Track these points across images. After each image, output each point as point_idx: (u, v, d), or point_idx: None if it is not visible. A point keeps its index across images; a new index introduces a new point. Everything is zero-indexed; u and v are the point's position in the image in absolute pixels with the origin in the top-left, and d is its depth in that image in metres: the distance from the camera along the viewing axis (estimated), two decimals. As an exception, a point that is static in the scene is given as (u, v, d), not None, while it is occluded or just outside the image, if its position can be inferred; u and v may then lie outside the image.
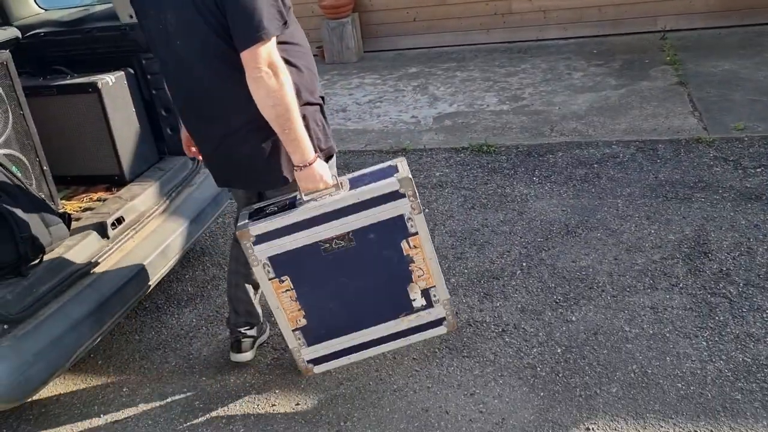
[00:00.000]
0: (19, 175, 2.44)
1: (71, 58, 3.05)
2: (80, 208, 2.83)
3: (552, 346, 2.51)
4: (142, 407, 2.47)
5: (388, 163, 2.25)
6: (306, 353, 2.36)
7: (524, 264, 3.04)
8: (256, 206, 2.25)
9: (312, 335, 2.32)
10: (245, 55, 1.87)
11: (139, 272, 2.55)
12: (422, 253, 2.21)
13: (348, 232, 2.14)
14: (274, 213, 2.13)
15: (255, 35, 1.84)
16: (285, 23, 1.94)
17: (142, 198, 2.83)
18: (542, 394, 2.29)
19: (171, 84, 2.18)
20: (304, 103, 2.06)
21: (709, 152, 3.81)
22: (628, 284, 2.80)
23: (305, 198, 2.10)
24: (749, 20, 5.81)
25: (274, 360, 2.63)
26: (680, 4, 5.98)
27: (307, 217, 2.09)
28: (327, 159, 2.18)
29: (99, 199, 2.91)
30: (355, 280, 2.23)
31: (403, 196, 2.11)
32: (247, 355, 2.56)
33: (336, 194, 2.10)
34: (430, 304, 2.32)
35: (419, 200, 2.15)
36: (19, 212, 2.27)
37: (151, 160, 3.08)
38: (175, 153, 3.14)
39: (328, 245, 2.15)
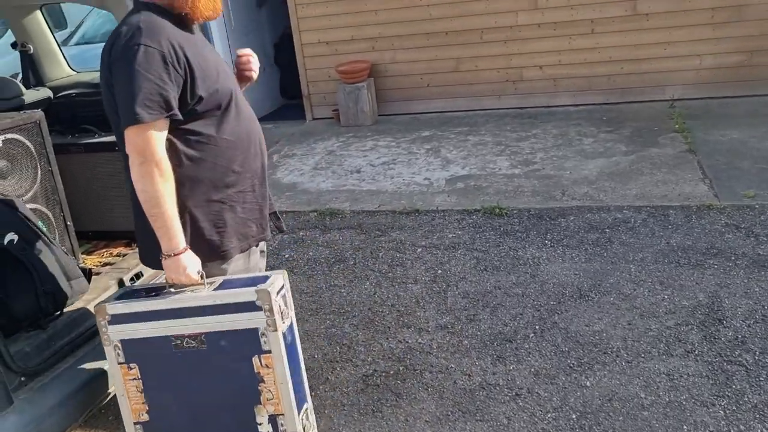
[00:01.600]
0: (44, 229, 2.51)
1: (100, 117, 3.16)
2: (100, 262, 2.89)
3: (567, 412, 2.48)
4: (152, 466, 2.44)
5: (266, 273, 2.15)
6: None
7: (537, 327, 3.04)
8: (131, 287, 2.26)
9: None
10: (125, 137, 1.87)
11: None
12: (274, 375, 2.03)
13: (201, 333, 2.02)
14: (139, 297, 2.07)
15: (126, 118, 1.83)
16: (170, 112, 1.86)
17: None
18: (557, 461, 2.26)
19: None
20: (205, 200, 2.01)
21: (720, 219, 3.84)
22: (642, 350, 2.78)
23: (171, 289, 2.03)
24: (757, 90, 5.94)
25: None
26: (688, 75, 6.13)
27: (163, 308, 2.01)
28: (223, 258, 2.09)
29: (119, 255, 2.97)
30: (203, 386, 2.07)
31: (259, 308, 1.97)
32: None
33: (198, 291, 2.00)
34: None
35: (280, 318, 2.00)
36: (42, 266, 2.32)
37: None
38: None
39: (179, 342, 2.04)
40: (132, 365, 2.08)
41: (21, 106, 3.05)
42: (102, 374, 2.30)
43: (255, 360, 2.02)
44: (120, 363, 2.08)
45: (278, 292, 2.03)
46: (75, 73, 3.49)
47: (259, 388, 2.04)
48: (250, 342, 2.01)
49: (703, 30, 5.98)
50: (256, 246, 2.23)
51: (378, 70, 6.87)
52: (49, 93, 3.25)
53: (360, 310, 3.36)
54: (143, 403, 2.10)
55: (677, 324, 2.92)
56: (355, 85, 6.64)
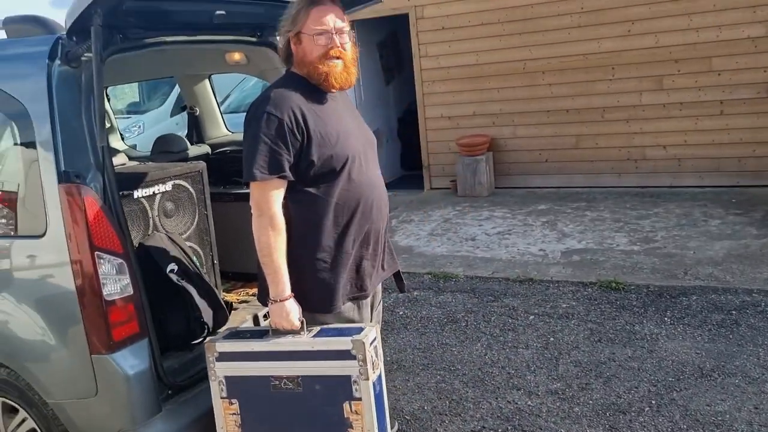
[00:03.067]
0: (197, 264, 2.85)
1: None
2: (238, 299, 3.19)
3: (683, 489, 2.39)
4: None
5: (360, 325, 2.24)
6: None
7: (653, 402, 2.96)
8: (236, 329, 2.40)
9: None
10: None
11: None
12: (362, 421, 2.10)
13: (297, 376, 2.14)
14: (245, 338, 2.23)
15: (246, 175, 2.08)
16: (281, 173, 2.05)
17: (290, 296, 3.14)
18: None
19: None
20: (310, 256, 2.16)
21: None
22: (770, 435, 2.63)
23: (272, 333, 2.18)
24: None
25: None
26: (828, 160, 5.82)
27: (266, 350, 2.16)
28: (321, 310, 2.21)
29: (254, 294, 3.26)
30: (295, 425, 2.18)
31: (353, 357, 2.08)
32: None
33: (298, 337, 2.14)
34: None
35: (371, 368, 2.08)
36: (194, 295, 2.63)
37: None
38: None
39: (277, 383, 2.16)
40: (233, 401, 2.22)
41: (185, 159, 3.51)
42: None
43: (345, 406, 2.12)
44: (222, 398, 2.22)
45: (371, 343, 2.14)
46: (230, 133, 3.97)
47: None
48: (342, 388, 2.11)
49: None
50: (357, 301, 2.32)
51: (497, 144, 7.09)
52: (208, 149, 3.72)
53: (470, 369, 3.42)
54: None
55: (811, 413, 2.74)
56: (474, 157, 6.88)
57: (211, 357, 2.21)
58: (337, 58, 2.13)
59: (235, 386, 2.20)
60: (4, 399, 2.43)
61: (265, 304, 2.32)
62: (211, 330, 2.67)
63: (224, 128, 3.96)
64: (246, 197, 3.35)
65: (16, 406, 2.41)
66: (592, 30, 6.48)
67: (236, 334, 2.30)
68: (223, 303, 2.79)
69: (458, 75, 7.12)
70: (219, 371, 2.21)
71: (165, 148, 3.37)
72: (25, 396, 2.35)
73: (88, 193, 2.11)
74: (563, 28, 6.57)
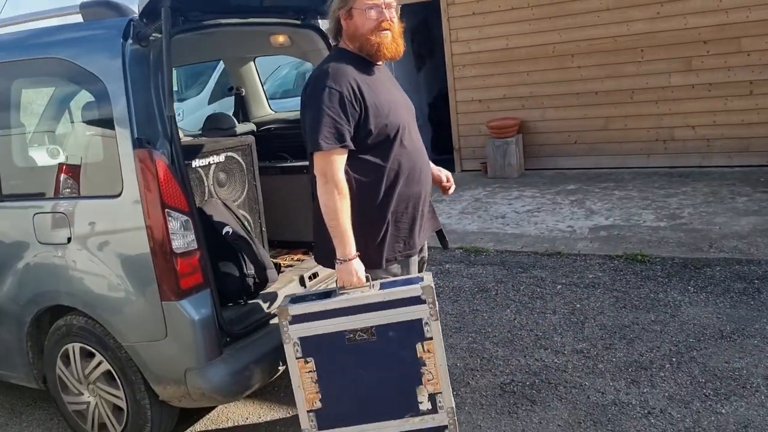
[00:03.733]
0: (249, 228, 3.11)
1: (291, 147, 3.83)
2: (284, 263, 3.45)
3: (699, 432, 2.58)
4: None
5: (419, 275, 2.48)
6: None
7: (674, 359, 3.13)
8: (298, 294, 2.56)
9: (324, 420, 2.43)
10: (312, 160, 2.32)
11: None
12: (434, 358, 2.34)
13: (371, 327, 2.34)
14: (312, 300, 2.41)
15: (311, 146, 2.28)
16: (343, 143, 2.26)
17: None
18: (686, 471, 2.37)
19: None
20: (371, 217, 2.37)
21: None
22: (784, 388, 2.80)
23: (339, 291, 2.37)
24: None
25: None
26: None
27: (339, 306, 2.33)
28: (379, 266, 2.43)
29: (298, 260, 3.52)
30: (371, 373, 2.38)
31: (423, 302, 2.32)
32: None
33: (366, 291, 2.34)
34: (434, 410, 2.39)
35: (438, 309, 2.34)
36: (248, 254, 2.90)
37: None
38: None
39: (352, 335, 2.35)
40: (308, 359, 2.39)
41: (233, 135, 3.78)
42: (280, 348, 2.77)
43: (418, 346, 2.36)
44: (298, 358, 2.39)
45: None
46: (273, 112, 4.23)
47: (421, 371, 2.37)
48: (414, 331, 2.35)
49: None
50: (409, 258, 2.57)
51: (527, 126, 7.24)
52: (253, 127, 3.98)
53: (500, 332, 3.63)
54: (317, 392, 2.40)
55: (826, 369, 2.89)
56: (504, 139, 7.04)
57: (284, 321, 2.36)
58: (387, 29, 2.35)
59: (310, 345, 2.37)
60: (82, 344, 2.73)
61: (325, 264, 2.55)
62: (262, 287, 2.94)
63: (268, 108, 4.22)
64: (291, 170, 3.63)
65: (93, 350, 2.71)
66: (621, 13, 6.57)
67: (301, 298, 2.46)
68: (272, 263, 3.06)
69: (488, 59, 7.28)
70: (293, 333, 2.37)
71: (215, 125, 3.64)
72: (102, 341, 2.64)
73: (159, 157, 2.38)
74: (592, 11, 6.67)
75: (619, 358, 3.21)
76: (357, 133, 2.33)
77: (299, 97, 2.46)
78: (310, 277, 3.21)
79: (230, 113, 4.20)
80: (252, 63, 4.19)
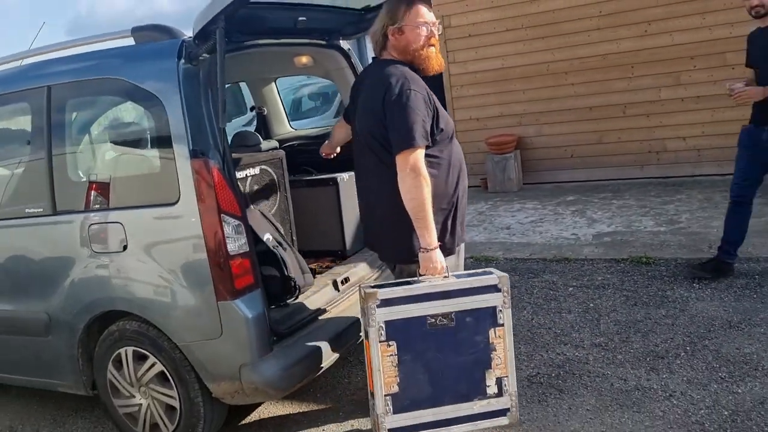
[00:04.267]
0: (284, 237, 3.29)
1: (314, 162, 4.02)
2: (316, 269, 3.63)
3: (719, 410, 2.77)
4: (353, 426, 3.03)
5: (487, 269, 2.65)
6: (389, 421, 2.52)
7: (688, 348, 3.33)
8: (376, 285, 2.61)
9: (399, 403, 2.51)
10: (397, 157, 2.43)
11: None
12: (504, 343, 2.54)
13: (451, 312, 2.49)
14: (392, 287, 2.51)
15: (404, 144, 2.41)
16: (428, 140, 2.46)
17: (362, 266, 3.57)
18: (711, 444, 2.56)
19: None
20: (439, 208, 2.52)
21: None
22: (793, 368, 3.00)
23: (421, 279, 2.50)
24: None
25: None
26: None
27: (423, 292, 2.48)
28: (447, 254, 2.58)
29: (327, 267, 3.70)
30: (446, 357, 2.51)
31: (499, 290, 2.52)
32: None
33: (446, 279, 2.50)
34: (500, 393, 2.57)
35: (510, 299, 2.55)
36: (287, 259, 3.07)
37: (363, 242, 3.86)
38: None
39: (433, 320, 2.49)
40: (391, 343, 2.47)
41: (259, 152, 3.97)
42: (326, 343, 2.93)
43: (491, 332, 2.54)
44: (381, 341, 2.46)
45: None
46: (293, 130, 4.43)
47: (492, 355, 2.55)
48: (489, 317, 2.53)
49: None
50: (461, 245, 2.78)
51: (524, 142, 7.51)
52: (276, 143, 4.18)
53: (520, 330, 3.81)
54: (395, 376, 2.49)
55: (830, 350, 3.10)
56: (503, 155, 7.30)
57: (373, 304, 2.45)
58: (433, 45, 2.61)
59: (394, 329, 2.47)
60: (135, 348, 2.87)
61: (398, 261, 2.69)
62: (300, 290, 3.11)
63: (288, 126, 4.43)
64: (317, 183, 3.81)
65: (146, 353, 2.85)
66: (610, 32, 6.90)
67: (380, 286, 2.55)
68: (308, 268, 3.23)
69: (485, 79, 7.57)
70: (379, 316, 2.46)
71: (242, 143, 3.83)
72: (156, 343, 2.79)
73: (214, 165, 2.57)
74: (583, 30, 7.00)
75: (636, 349, 3.40)
76: (431, 131, 2.52)
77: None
78: (342, 281, 3.38)
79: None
80: (273, 83, 4.41)
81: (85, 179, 2.90)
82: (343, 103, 3.88)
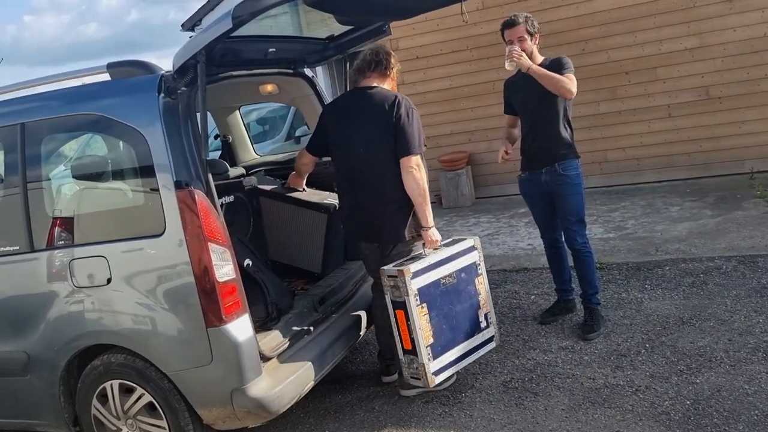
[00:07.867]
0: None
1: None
2: (295, 291, 3.70)
3: (681, 400, 3.00)
4: (344, 443, 3.11)
5: (459, 237, 3.51)
6: (432, 366, 3.17)
7: (647, 345, 3.57)
8: (396, 264, 3.22)
9: (435, 351, 3.18)
10: (403, 160, 3.15)
11: (340, 336, 3.31)
12: (484, 288, 3.45)
13: (453, 272, 3.28)
14: (411, 261, 3.20)
15: (415, 149, 3.18)
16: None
17: (336, 286, 3.66)
18: (678, 431, 2.77)
19: (342, 171, 3.37)
20: (410, 203, 3.24)
21: (806, 262, 4.29)
22: (743, 357, 3.27)
23: (427, 251, 3.25)
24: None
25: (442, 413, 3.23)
26: (765, 149, 6.67)
27: (436, 260, 3.24)
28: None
29: (302, 289, 3.77)
30: (456, 307, 3.29)
31: (475, 249, 3.44)
32: (393, 377, 3.54)
33: (442, 249, 3.29)
34: (487, 325, 3.47)
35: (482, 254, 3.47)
36: (268, 284, 3.15)
37: (339, 263, 3.96)
38: (353, 259, 4.01)
39: (444, 281, 3.24)
40: (423, 305, 3.14)
41: (227, 179, 4.03)
42: (309, 368, 3.00)
43: (476, 281, 3.42)
44: (418, 305, 3.11)
45: None
46: (259, 156, 4.50)
47: (479, 299, 3.42)
48: (473, 271, 3.42)
49: (775, 108, 6.58)
50: None
51: (475, 158, 7.78)
52: (243, 170, 4.24)
53: (490, 340, 3.98)
54: (430, 330, 3.15)
55: (773, 339, 3.39)
56: (456, 171, 7.54)
57: (407, 277, 3.07)
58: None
59: (423, 293, 3.14)
60: (121, 381, 2.88)
61: (399, 240, 3.28)
62: (283, 313, 3.19)
63: (253, 152, 4.50)
64: (310, 206, 3.84)
65: (133, 385, 2.86)
66: (550, 51, 7.21)
67: (401, 264, 3.20)
68: (288, 290, 3.31)
69: (434, 99, 7.82)
70: (413, 286, 3.10)
71: (210, 171, 3.87)
72: (143, 374, 2.81)
73: (199, 195, 2.64)
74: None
75: (600, 350, 3.62)
76: None
77: None
78: (319, 302, 3.47)
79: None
80: (237, 111, 4.47)
81: (64, 215, 2.90)
82: (308, 128, 4.00)
